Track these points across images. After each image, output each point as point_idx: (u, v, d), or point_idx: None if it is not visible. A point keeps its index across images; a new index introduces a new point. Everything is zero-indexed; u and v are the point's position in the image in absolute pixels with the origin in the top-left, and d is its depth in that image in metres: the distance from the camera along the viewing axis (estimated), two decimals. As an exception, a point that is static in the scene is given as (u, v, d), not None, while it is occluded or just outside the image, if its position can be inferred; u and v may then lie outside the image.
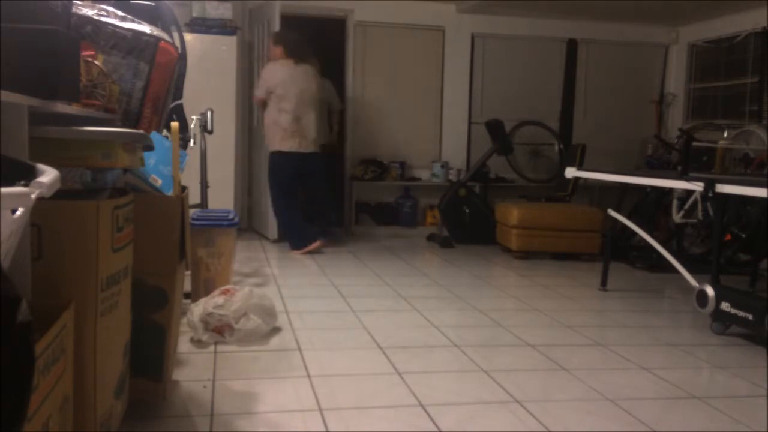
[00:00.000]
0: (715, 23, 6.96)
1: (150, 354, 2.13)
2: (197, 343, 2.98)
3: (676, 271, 3.88)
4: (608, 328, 3.59)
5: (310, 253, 5.49)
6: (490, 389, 2.55)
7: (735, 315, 3.29)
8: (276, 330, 3.23)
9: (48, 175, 1.00)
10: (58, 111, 1.57)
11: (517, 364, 2.87)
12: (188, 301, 3.38)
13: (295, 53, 5.46)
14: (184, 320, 2.99)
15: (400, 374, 2.68)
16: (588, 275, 4.94)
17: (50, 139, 1.63)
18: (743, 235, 4.79)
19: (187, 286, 3.37)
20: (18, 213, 0.90)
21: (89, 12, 2.10)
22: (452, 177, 6.96)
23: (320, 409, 2.30)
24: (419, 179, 7.12)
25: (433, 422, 2.23)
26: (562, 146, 7.20)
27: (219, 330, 2.98)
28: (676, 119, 7.56)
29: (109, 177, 1.81)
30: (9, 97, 1.25)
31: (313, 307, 3.80)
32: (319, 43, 6.18)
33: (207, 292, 3.32)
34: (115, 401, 1.80)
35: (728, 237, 4.78)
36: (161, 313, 2.13)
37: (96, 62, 1.96)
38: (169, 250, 2.13)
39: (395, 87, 7.09)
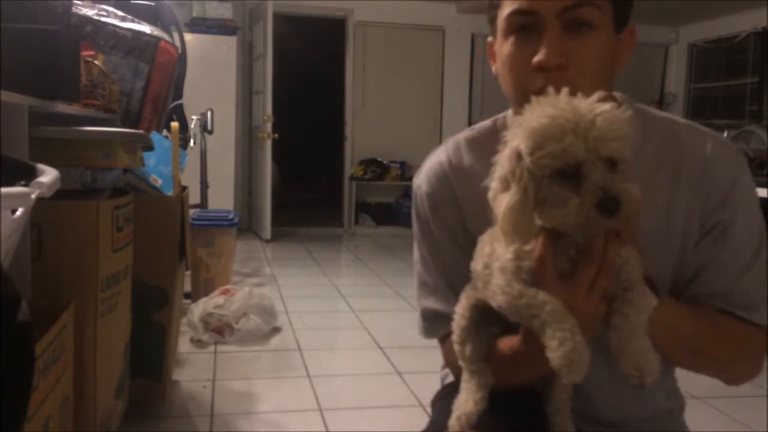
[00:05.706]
0: (715, 23, 6.95)
1: (150, 354, 2.13)
2: (197, 343, 2.97)
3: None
4: (608, 328, 3.58)
5: None
6: (490, 389, 2.55)
7: (735, 315, 3.28)
8: (276, 330, 3.22)
9: (48, 175, 1.00)
10: (58, 111, 1.57)
11: (517, 364, 2.87)
12: (188, 301, 3.38)
13: None
14: (184, 320, 2.99)
15: (400, 374, 2.68)
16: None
17: (50, 139, 1.63)
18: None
19: (187, 286, 3.37)
20: (18, 213, 0.90)
21: (89, 12, 2.10)
22: (452, 177, 6.96)
23: (320, 409, 2.30)
24: (419, 179, 7.11)
25: (433, 422, 2.22)
26: (562, 146, 7.19)
27: (219, 330, 2.98)
28: (676, 119, 7.56)
29: (109, 177, 1.81)
30: (9, 97, 1.25)
31: (313, 307, 3.80)
32: (319, 44, 6.18)
33: (207, 292, 3.32)
34: (115, 401, 1.80)
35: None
36: (161, 313, 2.12)
37: (96, 62, 1.96)
38: (169, 250, 2.12)
39: (395, 87, 7.09)
